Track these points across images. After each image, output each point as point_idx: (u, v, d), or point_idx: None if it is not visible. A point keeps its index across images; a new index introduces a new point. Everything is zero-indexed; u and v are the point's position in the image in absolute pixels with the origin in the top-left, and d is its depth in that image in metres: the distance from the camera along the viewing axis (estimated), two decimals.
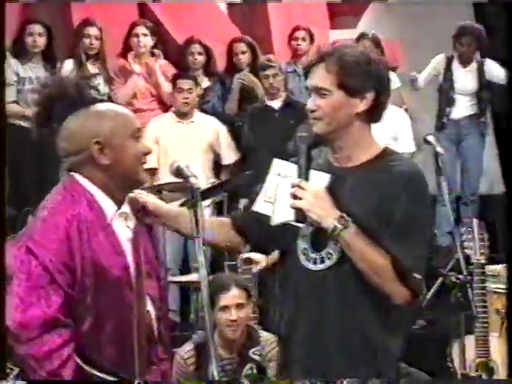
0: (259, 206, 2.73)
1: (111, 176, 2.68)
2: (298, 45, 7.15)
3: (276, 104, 6.41)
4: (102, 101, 2.80)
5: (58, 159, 2.78)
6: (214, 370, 2.53)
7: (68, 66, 6.49)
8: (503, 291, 4.49)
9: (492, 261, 4.62)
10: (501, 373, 4.46)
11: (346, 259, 2.60)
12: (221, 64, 6.98)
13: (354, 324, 2.63)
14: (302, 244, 2.69)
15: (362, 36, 6.67)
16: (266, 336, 4.27)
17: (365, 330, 2.63)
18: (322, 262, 2.65)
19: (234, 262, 6.20)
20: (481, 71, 6.93)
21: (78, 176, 2.69)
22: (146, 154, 2.75)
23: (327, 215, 2.57)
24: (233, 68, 6.93)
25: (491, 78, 6.95)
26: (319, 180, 2.63)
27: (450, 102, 6.93)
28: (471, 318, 4.27)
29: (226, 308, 4.09)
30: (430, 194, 2.78)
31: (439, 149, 4.30)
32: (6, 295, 2.61)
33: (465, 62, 6.97)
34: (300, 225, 2.66)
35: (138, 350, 2.70)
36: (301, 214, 2.59)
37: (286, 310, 2.75)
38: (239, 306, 4.14)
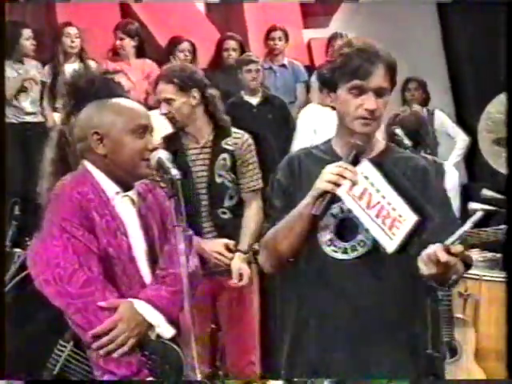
0: (344, 195, 2.54)
1: (113, 164, 2.78)
2: (275, 44, 7.40)
3: (254, 100, 6.52)
4: (121, 96, 2.86)
5: (41, 152, 2.94)
6: (196, 370, 2.56)
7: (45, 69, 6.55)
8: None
9: None
10: (463, 353, 4.68)
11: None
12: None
13: (395, 308, 2.62)
14: (324, 235, 2.64)
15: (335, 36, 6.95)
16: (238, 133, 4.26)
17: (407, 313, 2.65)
18: (354, 250, 2.61)
19: None
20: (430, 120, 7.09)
21: (85, 161, 2.81)
22: (151, 150, 2.79)
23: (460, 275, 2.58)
24: (217, 64, 7.12)
25: (439, 128, 7.27)
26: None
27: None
28: (436, 301, 4.47)
29: None
30: None
31: (407, 141, 4.43)
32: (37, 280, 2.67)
33: None
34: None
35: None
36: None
37: (315, 303, 2.66)
38: None
